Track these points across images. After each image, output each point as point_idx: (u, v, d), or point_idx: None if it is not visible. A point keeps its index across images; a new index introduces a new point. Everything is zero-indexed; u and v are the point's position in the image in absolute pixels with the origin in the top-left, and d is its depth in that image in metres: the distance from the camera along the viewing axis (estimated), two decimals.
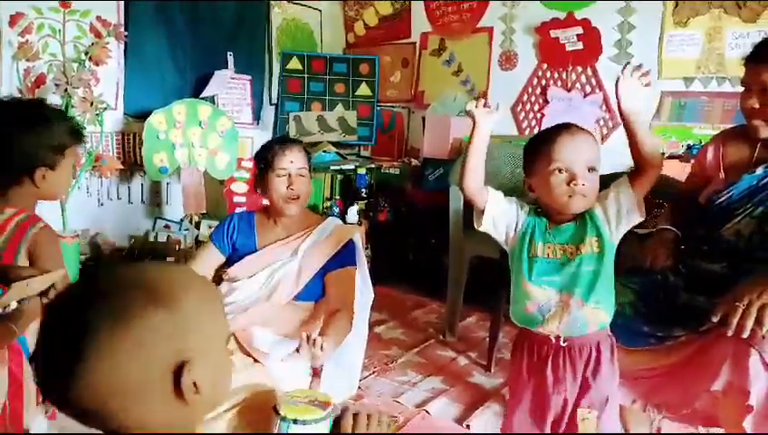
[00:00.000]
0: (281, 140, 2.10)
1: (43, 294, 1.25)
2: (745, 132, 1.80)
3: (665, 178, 2.95)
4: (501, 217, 1.55)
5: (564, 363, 1.50)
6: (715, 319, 1.50)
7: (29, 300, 1.24)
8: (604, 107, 3.58)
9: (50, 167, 1.47)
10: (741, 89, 1.79)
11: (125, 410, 0.65)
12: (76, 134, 1.55)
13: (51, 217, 3.03)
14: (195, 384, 0.68)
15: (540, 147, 1.50)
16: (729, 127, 2.04)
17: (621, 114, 1.43)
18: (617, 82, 1.40)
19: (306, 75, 4.54)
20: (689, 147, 3.23)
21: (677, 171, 2.94)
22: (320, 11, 4.83)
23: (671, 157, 3.24)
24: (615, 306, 1.53)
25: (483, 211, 1.53)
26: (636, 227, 1.53)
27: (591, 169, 1.45)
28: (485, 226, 1.55)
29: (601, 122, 3.58)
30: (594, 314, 1.48)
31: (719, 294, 1.58)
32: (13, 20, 3.05)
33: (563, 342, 1.50)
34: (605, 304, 1.50)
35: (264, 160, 2.03)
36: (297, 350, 1.72)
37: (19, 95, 3.01)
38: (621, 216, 1.47)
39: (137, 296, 0.66)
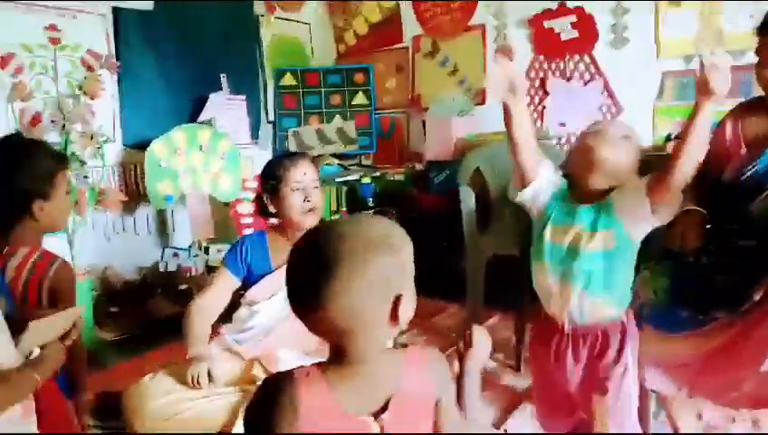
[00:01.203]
0: (289, 155, 2.06)
1: (63, 338, 1.21)
2: (764, 104, 1.76)
3: None
4: (542, 191, 1.57)
5: (566, 350, 1.53)
6: (756, 297, 1.46)
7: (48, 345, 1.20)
8: (605, 93, 3.54)
9: (43, 197, 1.45)
10: (744, 62, 1.75)
11: (359, 330, 0.85)
12: (60, 159, 1.54)
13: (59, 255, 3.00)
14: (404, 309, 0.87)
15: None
16: (744, 100, 1.99)
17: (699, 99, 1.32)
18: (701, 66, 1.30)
19: (301, 90, 4.51)
20: None
21: None
22: (308, 24, 4.80)
23: (678, 137, 3.20)
24: (630, 299, 1.53)
25: (527, 183, 1.55)
26: None
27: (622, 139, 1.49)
28: (524, 197, 1.58)
29: (604, 108, 3.54)
30: (595, 307, 1.49)
31: (755, 272, 1.53)
32: (3, 61, 3.02)
33: (567, 329, 1.51)
34: (612, 297, 1.49)
35: (275, 177, 1.98)
36: None
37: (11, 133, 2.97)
38: (637, 218, 1.44)
39: (373, 245, 0.85)
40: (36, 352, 1.21)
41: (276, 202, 1.99)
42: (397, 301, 0.86)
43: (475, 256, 3.03)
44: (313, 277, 0.83)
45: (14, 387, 1.09)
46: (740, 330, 1.58)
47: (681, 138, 1.37)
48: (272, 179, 2.00)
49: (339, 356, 0.89)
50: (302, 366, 0.90)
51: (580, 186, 1.53)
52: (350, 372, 0.88)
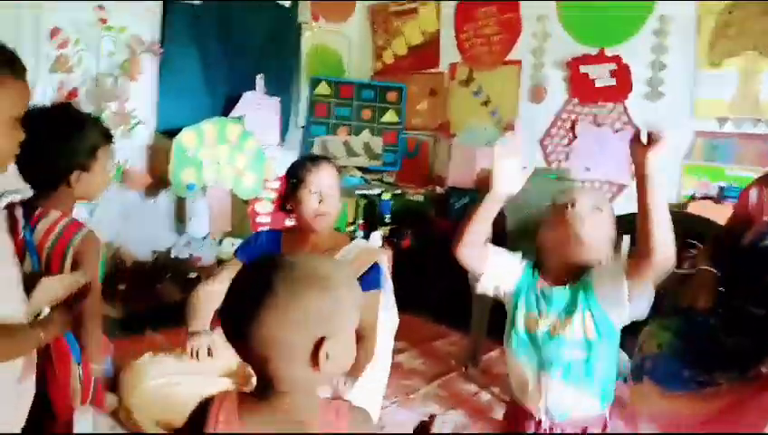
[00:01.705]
0: (313, 158, 2.09)
1: (70, 304, 1.22)
2: None
3: (698, 218, 2.93)
4: (504, 277, 1.45)
5: None
6: (765, 370, 1.45)
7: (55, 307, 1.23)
8: None
9: (84, 169, 1.49)
10: None
11: (275, 361, 0.83)
12: (106, 135, 1.58)
13: None
14: (327, 355, 0.83)
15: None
16: None
17: (638, 178, 1.24)
18: (631, 139, 1.26)
19: (334, 100, 4.57)
20: (721, 188, 3.18)
21: (710, 212, 2.90)
22: (349, 38, 4.88)
23: (703, 198, 3.20)
24: (611, 391, 1.40)
25: (479, 276, 1.44)
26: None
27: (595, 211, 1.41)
28: (483, 287, 1.46)
29: (631, 159, 3.54)
30: (576, 401, 1.37)
31: (762, 339, 1.52)
32: (52, 33, 3.10)
33: (544, 423, 1.38)
34: (594, 391, 1.36)
35: (296, 177, 2.01)
36: None
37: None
38: (616, 302, 1.30)
39: (305, 280, 0.84)
40: (46, 311, 1.24)
41: (294, 201, 2.02)
42: (319, 343, 0.83)
43: None
44: (241, 302, 0.84)
45: (18, 341, 1.11)
46: (741, 399, 1.57)
47: (640, 215, 1.22)
48: (293, 178, 2.03)
49: (260, 386, 0.88)
50: (227, 390, 0.92)
51: (552, 262, 1.43)
52: (264, 405, 0.87)
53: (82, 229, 1.46)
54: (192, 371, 1.89)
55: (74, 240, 1.42)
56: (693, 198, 3.17)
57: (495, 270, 1.44)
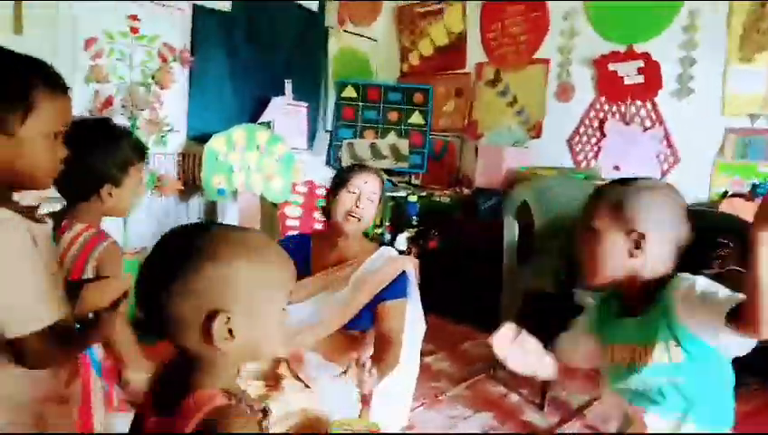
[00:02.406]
0: (363, 165, 2.11)
1: (114, 307, 1.26)
2: None
3: (729, 216, 2.87)
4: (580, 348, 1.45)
5: None
6: None
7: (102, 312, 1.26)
8: (665, 142, 3.49)
9: (115, 184, 1.50)
10: None
11: (180, 335, 0.81)
12: (140, 151, 1.59)
13: (113, 233, 3.14)
14: (230, 332, 0.79)
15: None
16: None
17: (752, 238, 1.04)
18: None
19: (360, 103, 4.61)
20: (754, 185, 3.12)
21: (742, 210, 2.85)
22: (376, 40, 4.91)
23: (735, 195, 3.14)
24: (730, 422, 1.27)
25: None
26: (703, 266, 1.44)
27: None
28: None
29: (662, 157, 3.49)
30: (677, 427, 1.23)
31: None
32: (87, 43, 3.20)
33: None
34: (705, 421, 1.22)
35: (341, 177, 2.04)
36: (344, 372, 1.69)
37: (88, 116, 3.13)
38: (711, 334, 1.14)
39: (198, 251, 0.80)
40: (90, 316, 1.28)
41: (332, 200, 2.05)
42: (210, 316, 0.79)
43: (511, 289, 3.03)
44: (144, 273, 0.82)
45: (72, 344, 1.16)
46: None
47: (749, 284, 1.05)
48: (337, 178, 2.06)
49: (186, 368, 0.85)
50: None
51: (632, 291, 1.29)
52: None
53: (104, 241, 1.48)
54: None
55: (95, 252, 1.45)
56: (724, 195, 3.11)
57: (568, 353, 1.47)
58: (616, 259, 1.25)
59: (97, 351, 1.48)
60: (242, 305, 0.80)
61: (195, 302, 0.78)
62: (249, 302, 0.81)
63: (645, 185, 1.26)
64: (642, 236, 1.22)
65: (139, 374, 1.51)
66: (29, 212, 1.11)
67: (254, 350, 0.86)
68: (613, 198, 1.27)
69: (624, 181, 1.32)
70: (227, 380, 0.85)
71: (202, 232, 0.83)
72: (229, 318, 0.79)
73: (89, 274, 1.45)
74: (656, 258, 1.24)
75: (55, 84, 1.06)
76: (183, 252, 0.80)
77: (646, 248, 1.22)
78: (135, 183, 1.57)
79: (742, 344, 1.12)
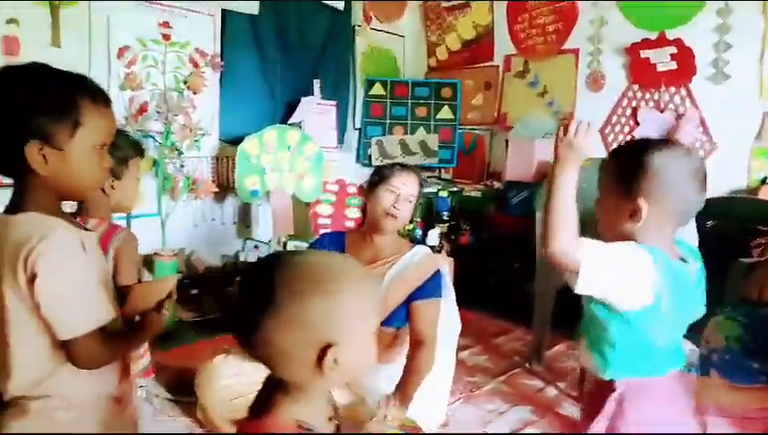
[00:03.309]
0: (403, 164, 2.13)
1: (159, 308, 1.30)
2: None
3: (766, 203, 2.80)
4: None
5: None
6: None
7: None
8: (700, 128, 3.42)
9: (116, 177, 1.64)
10: None
11: (282, 365, 0.82)
12: (136, 147, 1.74)
13: (151, 236, 3.22)
14: (336, 361, 0.80)
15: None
16: None
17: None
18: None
19: (389, 100, 4.62)
20: None
21: None
22: (403, 37, 4.92)
23: None
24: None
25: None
26: (743, 254, 1.43)
27: None
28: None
29: (697, 144, 3.42)
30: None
31: None
32: (120, 52, 3.28)
33: None
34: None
35: (380, 175, 2.06)
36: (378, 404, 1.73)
37: (124, 123, 3.22)
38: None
39: (305, 283, 0.80)
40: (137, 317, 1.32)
41: (370, 198, 2.07)
42: (324, 350, 0.80)
43: (545, 282, 3.00)
44: (242, 303, 0.82)
45: (128, 340, 1.22)
46: None
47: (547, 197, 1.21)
48: (376, 176, 2.09)
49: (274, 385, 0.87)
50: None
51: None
52: None
53: (120, 231, 1.61)
54: (263, 374, 1.98)
55: (113, 242, 1.56)
56: (764, 181, 3.03)
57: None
58: (618, 222, 1.28)
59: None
60: (347, 335, 0.81)
61: (305, 334, 0.79)
62: (353, 332, 0.82)
63: (650, 149, 1.25)
64: (639, 201, 1.23)
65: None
66: (72, 219, 1.16)
67: (353, 376, 0.87)
68: (617, 162, 1.32)
69: (631, 145, 1.37)
70: (310, 407, 0.85)
71: (304, 262, 0.84)
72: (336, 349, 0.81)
73: (109, 263, 1.54)
74: (655, 223, 1.25)
75: (100, 98, 1.11)
76: (289, 283, 0.79)
77: (644, 213, 1.23)
78: (134, 176, 1.72)
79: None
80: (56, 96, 1.05)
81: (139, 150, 1.74)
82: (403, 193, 2.01)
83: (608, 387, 1.30)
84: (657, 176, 1.22)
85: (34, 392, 1.08)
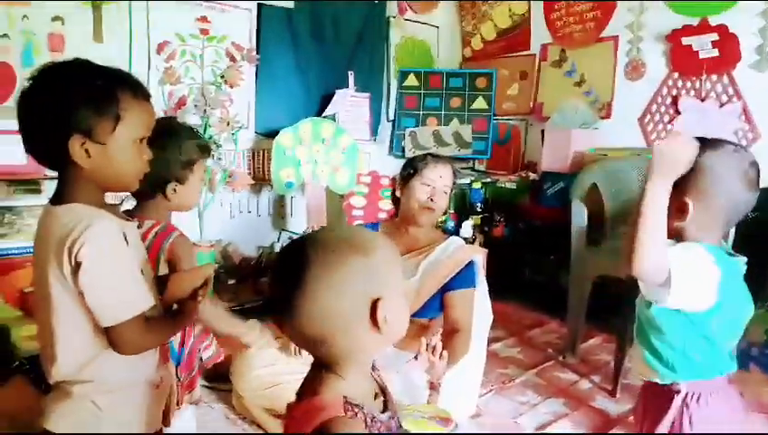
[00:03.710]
0: (435, 155, 2.13)
1: (195, 296, 1.31)
2: None
3: None
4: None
5: None
6: None
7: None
8: (743, 117, 3.31)
9: (179, 181, 1.58)
10: None
11: (333, 336, 0.82)
12: (203, 149, 1.64)
13: (189, 227, 3.30)
14: (385, 318, 0.82)
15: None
16: None
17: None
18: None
19: (422, 91, 4.61)
20: None
21: None
22: (437, 27, 4.89)
23: None
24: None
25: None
26: None
27: None
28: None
29: (740, 133, 3.32)
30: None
31: None
32: (159, 47, 3.36)
33: None
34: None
35: (414, 168, 2.07)
36: (415, 357, 1.71)
37: (163, 115, 3.29)
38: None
39: (342, 245, 0.83)
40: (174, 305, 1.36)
41: (404, 191, 2.08)
42: (374, 304, 0.82)
43: (580, 275, 2.97)
44: (283, 284, 0.83)
45: (168, 326, 1.25)
46: None
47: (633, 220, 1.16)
48: (410, 168, 2.09)
49: (320, 367, 0.86)
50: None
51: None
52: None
53: (173, 233, 1.56)
54: (297, 365, 2.01)
55: (165, 244, 1.54)
56: None
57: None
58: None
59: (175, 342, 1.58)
60: (389, 291, 0.84)
61: (354, 292, 0.81)
62: (392, 288, 0.85)
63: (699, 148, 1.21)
64: (685, 201, 1.21)
65: (253, 331, 1.58)
66: (116, 211, 1.20)
67: (399, 332, 0.88)
68: None
69: None
70: (357, 385, 0.86)
71: (333, 231, 0.89)
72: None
73: (161, 266, 1.53)
74: (702, 224, 1.22)
75: (139, 93, 1.14)
76: (325, 249, 0.82)
77: (690, 213, 1.21)
78: (198, 179, 1.63)
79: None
80: (97, 91, 1.08)
81: (205, 152, 1.65)
82: (439, 186, 2.01)
83: (668, 390, 1.27)
84: (704, 176, 1.20)
85: (77, 377, 1.13)
